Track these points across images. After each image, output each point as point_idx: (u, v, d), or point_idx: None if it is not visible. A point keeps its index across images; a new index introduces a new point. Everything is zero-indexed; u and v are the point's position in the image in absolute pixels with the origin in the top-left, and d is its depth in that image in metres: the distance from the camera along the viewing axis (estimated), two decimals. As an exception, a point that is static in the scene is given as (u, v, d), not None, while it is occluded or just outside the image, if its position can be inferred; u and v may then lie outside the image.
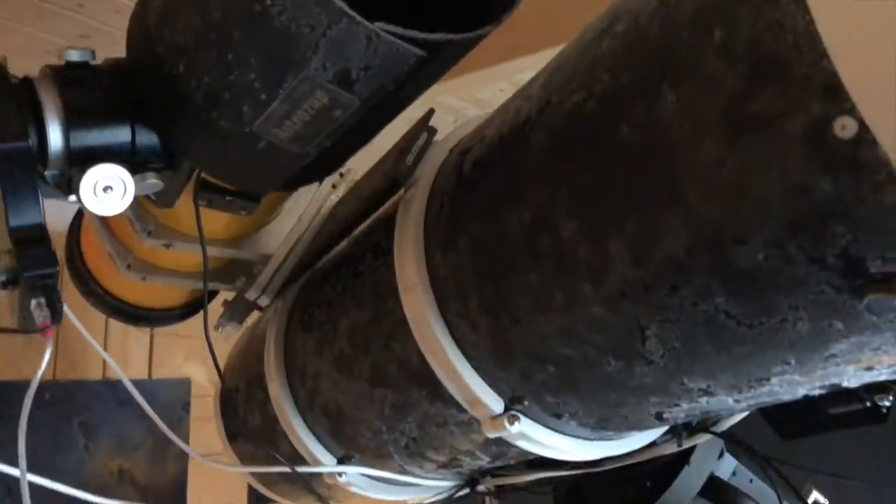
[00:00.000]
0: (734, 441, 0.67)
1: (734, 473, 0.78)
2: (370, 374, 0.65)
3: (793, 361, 0.40)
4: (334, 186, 0.77)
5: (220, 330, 0.82)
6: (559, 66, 0.48)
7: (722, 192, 0.36)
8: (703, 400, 0.47)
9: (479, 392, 0.55)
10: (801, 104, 0.32)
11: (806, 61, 0.31)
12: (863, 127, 0.30)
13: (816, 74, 0.31)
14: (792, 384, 0.43)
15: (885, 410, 0.54)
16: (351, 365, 0.68)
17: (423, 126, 0.62)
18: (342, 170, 0.79)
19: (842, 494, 0.86)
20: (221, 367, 0.99)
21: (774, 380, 0.42)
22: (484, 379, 0.55)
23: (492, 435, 0.56)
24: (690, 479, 0.71)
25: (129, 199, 0.55)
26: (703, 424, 0.66)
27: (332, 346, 0.71)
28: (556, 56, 0.50)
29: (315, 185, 0.77)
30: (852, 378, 0.42)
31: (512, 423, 0.55)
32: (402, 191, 0.62)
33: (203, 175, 0.61)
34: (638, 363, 0.45)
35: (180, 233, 0.68)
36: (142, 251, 0.74)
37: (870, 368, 0.39)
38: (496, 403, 0.55)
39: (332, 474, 0.77)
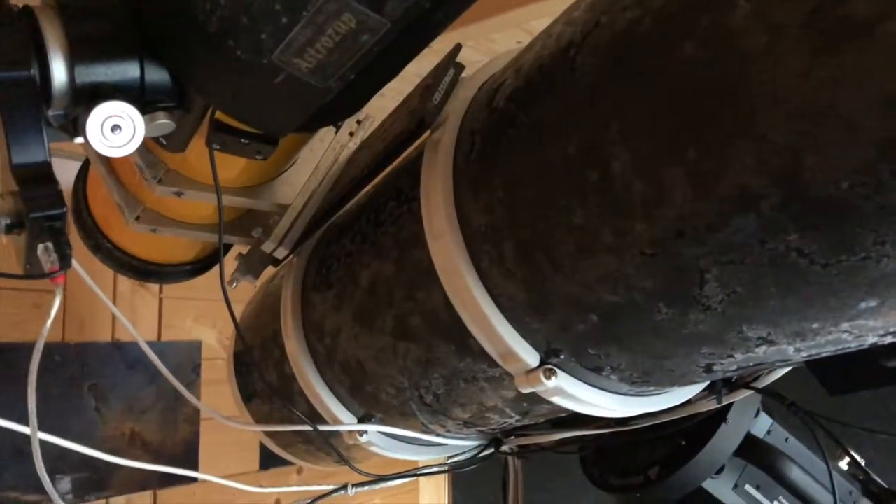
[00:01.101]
0: (776, 397, 0.64)
1: (769, 432, 0.75)
2: (394, 328, 0.62)
3: (871, 304, 0.37)
4: (351, 134, 0.73)
5: (234, 285, 0.79)
6: (607, -15, 0.44)
7: (803, 110, 0.32)
8: (761, 350, 0.43)
9: (513, 345, 0.51)
10: (906, 3, 0.28)
11: (915, -48, 0.27)
12: (982, 26, 0.26)
13: (928, -33, 0.27)
14: (864, 331, 0.39)
15: (946, 362, 0.51)
16: (373, 319, 0.65)
17: (450, 62, 0.58)
18: (359, 117, 0.75)
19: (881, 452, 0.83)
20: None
21: (845, 325, 0.39)
22: (518, 331, 0.52)
23: (526, 390, 0.53)
24: (727, 438, 0.68)
25: (139, 139, 0.52)
26: (742, 380, 0.63)
27: (352, 299, 0.67)
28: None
29: (332, 134, 0.73)
30: (934, 323, 0.38)
31: (549, 378, 0.52)
32: (427, 133, 0.58)
33: (217, 116, 0.57)
34: (693, 310, 0.42)
35: (192, 180, 0.65)
36: (152, 200, 0.71)
37: (956, 311, 0.36)
38: (531, 357, 0.52)
39: (352, 434, 0.75)
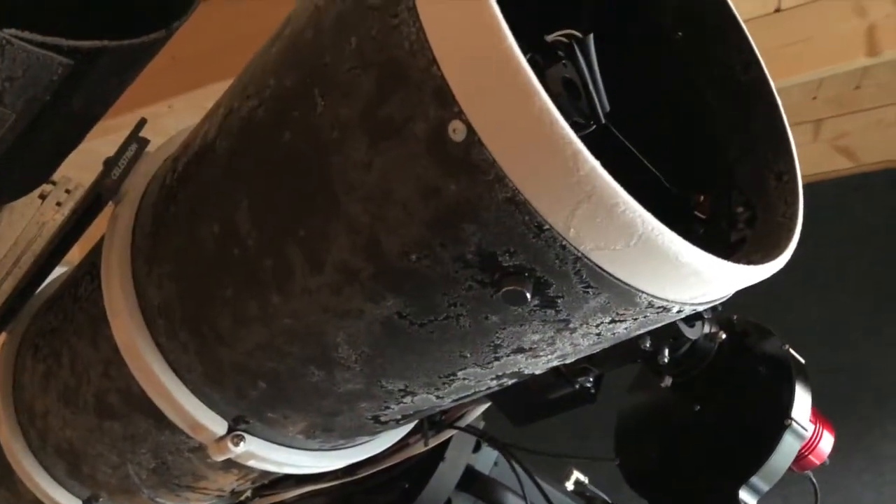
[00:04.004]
0: (473, 433, 0.70)
1: (496, 464, 0.81)
2: (95, 406, 0.61)
3: (468, 355, 0.42)
4: (59, 204, 0.70)
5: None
6: (243, 71, 0.47)
7: (370, 196, 0.36)
8: (408, 400, 0.48)
9: (197, 415, 0.52)
10: (421, 109, 0.33)
11: (420, 67, 0.32)
12: (471, 130, 0.32)
13: (430, 80, 0.32)
14: (477, 376, 0.44)
15: (592, 390, 0.58)
16: (76, 398, 0.62)
17: (133, 137, 0.58)
18: (69, 186, 0.73)
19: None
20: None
21: (460, 374, 0.44)
22: (202, 401, 0.52)
23: (219, 458, 0.54)
24: (446, 474, 0.72)
25: None
26: (449, 420, 0.68)
27: (56, 378, 0.65)
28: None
29: (35, 207, 0.70)
30: (529, 366, 0.44)
31: (237, 444, 0.53)
32: (113, 206, 0.58)
33: None
34: (337, 370, 0.45)
35: None
36: None
37: (536, 356, 0.42)
38: (218, 425, 0.53)
39: (77, 518, 0.71)
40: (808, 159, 1.98)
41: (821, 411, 0.67)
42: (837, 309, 1.90)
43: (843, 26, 1.24)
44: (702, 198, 0.50)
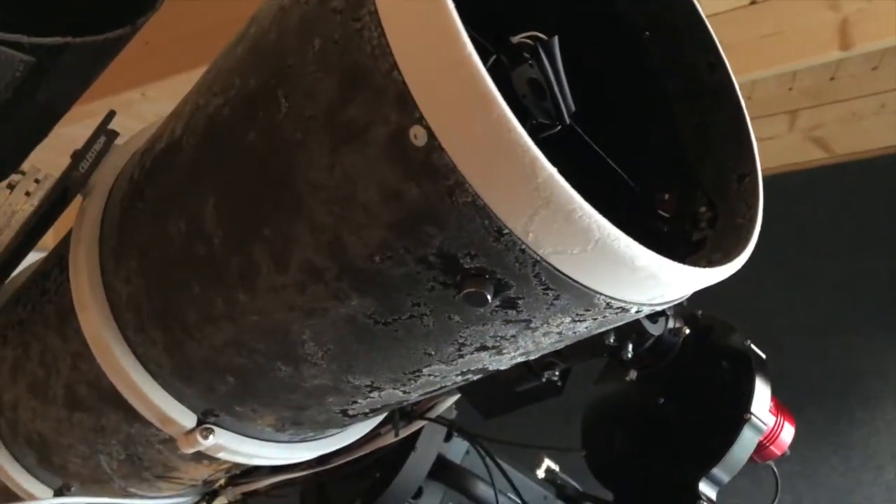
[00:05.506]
0: (443, 424, 0.70)
1: (468, 453, 0.82)
2: (65, 399, 0.61)
3: (433, 352, 0.42)
4: (28, 194, 0.70)
5: None
6: (210, 68, 0.47)
7: (334, 198, 0.36)
8: (375, 395, 0.48)
9: (167, 409, 0.53)
10: (382, 113, 0.33)
11: (381, 71, 0.32)
12: (431, 135, 0.32)
13: (390, 85, 0.32)
14: (442, 373, 0.45)
15: (559, 383, 0.59)
16: (46, 390, 0.62)
17: (102, 129, 0.58)
18: (38, 176, 0.72)
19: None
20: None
21: (425, 370, 0.44)
22: (172, 395, 0.53)
23: (189, 451, 0.54)
24: (418, 464, 0.73)
25: None
26: (418, 411, 0.69)
27: (25, 370, 0.65)
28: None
29: (4, 194, 0.70)
30: (493, 362, 0.45)
31: (206, 437, 0.53)
32: (82, 200, 0.58)
33: None
34: (304, 366, 0.46)
35: None
36: None
37: (500, 353, 0.43)
38: (187, 419, 0.53)
39: (49, 508, 0.71)
40: (783, 150, 2.00)
41: (787, 400, 0.69)
42: (810, 297, 1.93)
43: (816, 19, 1.25)
44: (667, 196, 0.51)
